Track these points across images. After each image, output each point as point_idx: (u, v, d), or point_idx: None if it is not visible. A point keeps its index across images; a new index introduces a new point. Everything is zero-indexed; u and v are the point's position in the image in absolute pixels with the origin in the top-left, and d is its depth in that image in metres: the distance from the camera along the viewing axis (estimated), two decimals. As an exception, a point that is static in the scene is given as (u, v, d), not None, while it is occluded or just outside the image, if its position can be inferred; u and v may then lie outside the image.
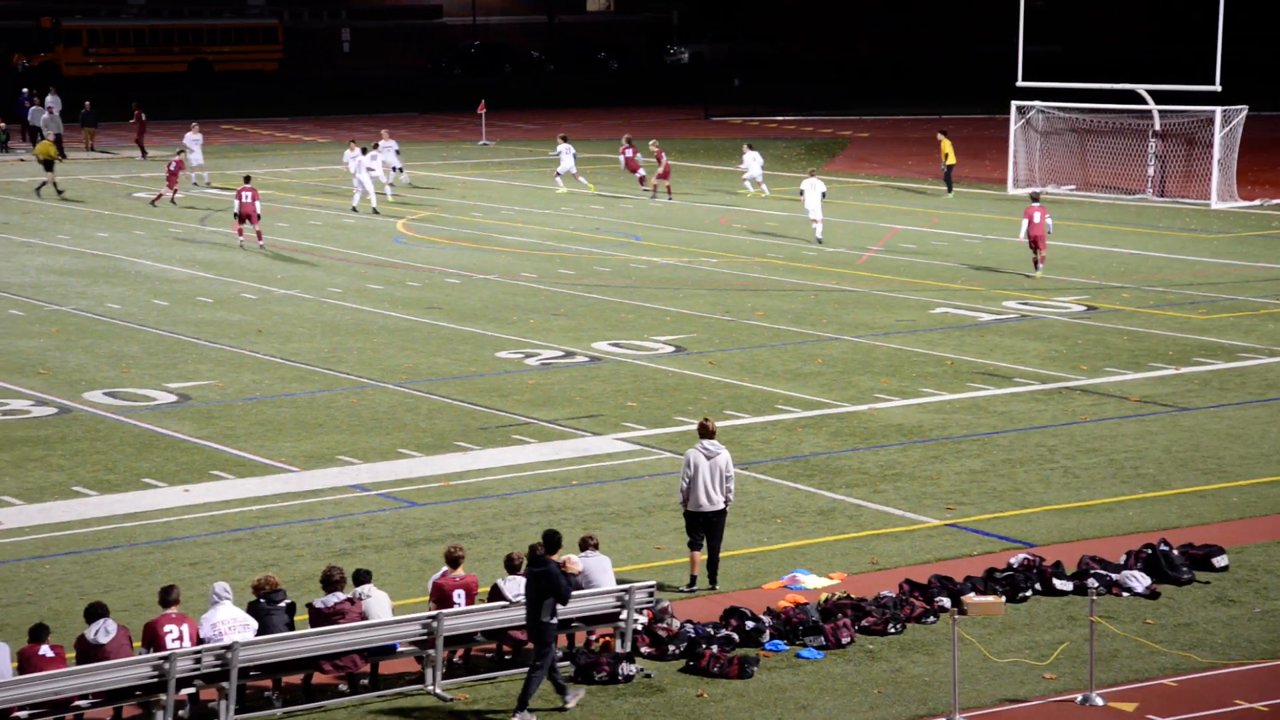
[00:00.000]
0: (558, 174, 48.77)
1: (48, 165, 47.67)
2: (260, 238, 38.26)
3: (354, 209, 43.85)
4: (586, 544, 15.97)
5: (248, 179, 39.27)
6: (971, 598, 15.79)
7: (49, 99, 57.86)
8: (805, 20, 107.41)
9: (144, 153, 56.88)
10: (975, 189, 48.76)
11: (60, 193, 47.09)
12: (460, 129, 66.52)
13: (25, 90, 61.78)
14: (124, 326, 30.08)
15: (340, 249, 38.69)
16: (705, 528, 17.09)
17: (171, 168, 44.83)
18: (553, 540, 14.76)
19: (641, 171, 48.06)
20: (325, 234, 40.96)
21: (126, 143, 59.74)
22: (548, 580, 14.24)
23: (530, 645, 14.56)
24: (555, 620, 14.31)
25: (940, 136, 48.27)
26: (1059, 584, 16.82)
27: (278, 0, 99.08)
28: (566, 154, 48.44)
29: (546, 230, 41.56)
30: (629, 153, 48.29)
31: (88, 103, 58.57)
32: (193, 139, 49.44)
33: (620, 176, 50.43)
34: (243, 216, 38.00)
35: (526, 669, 14.53)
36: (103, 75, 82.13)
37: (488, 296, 32.91)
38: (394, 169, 47.87)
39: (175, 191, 45.11)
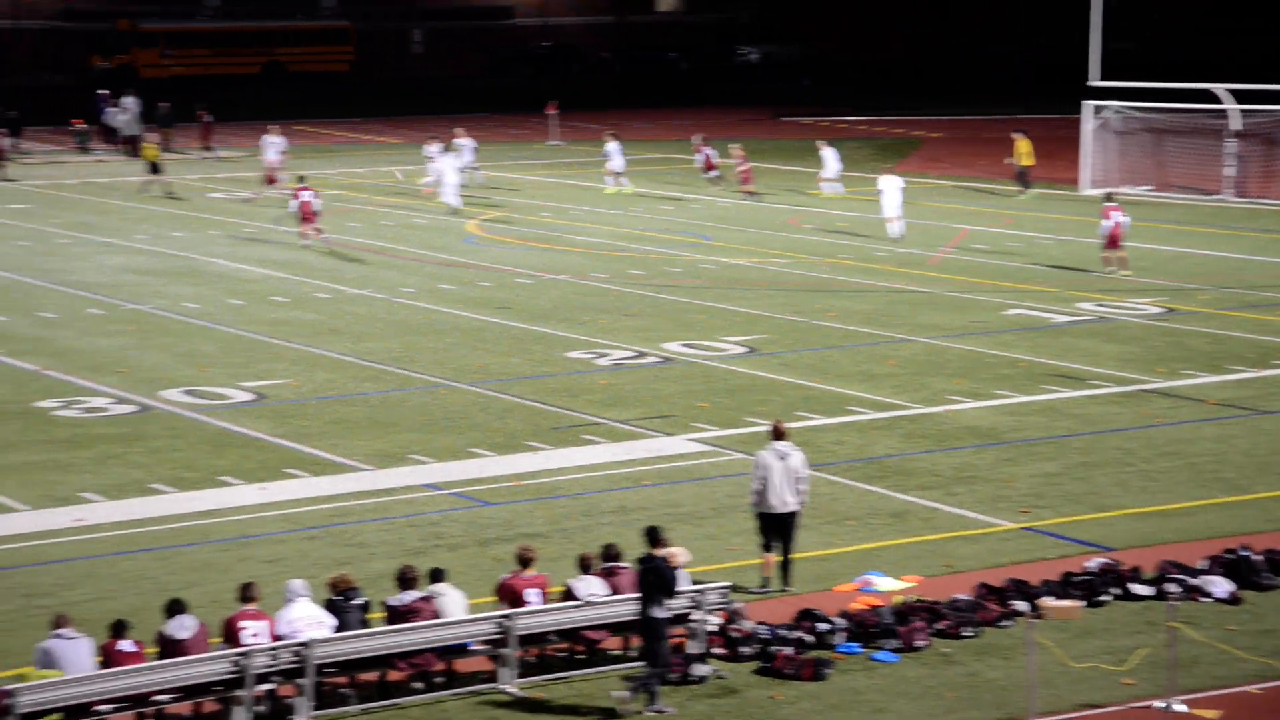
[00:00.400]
0: (611, 174, 48.64)
1: (154, 168, 48.16)
2: (320, 234, 38.50)
3: (451, 209, 43.62)
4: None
5: (302, 179, 39.62)
6: (1049, 601, 15.69)
7: (127, 100, 58.57)
8: (838, 20, 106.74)
9: (209, 151, 57.36)
10: (1048, 189, 48.36)
11: (168, 192, 47.55)
12: (530, 129, 66.71)
13: (102, 92, 62.51)
14: (201, 325, 30.38)
15: (412, 249, 38.90)
16: (777, 529, 17.04)
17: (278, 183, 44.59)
18: (655, 535, 14.77)
19: (716, 172, 48.03)
20: (397, 234, 41.19)
21: (198, 144, 60.25)
22: (656, 576, 14.30)
23: (638, 641, 14.54)
24: (668, 615, 14.32)
25: (1016, 136, 47.90)
26: (1137, 589, 16.65)
27: (349, 1, 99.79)
28: (616, 153, 48.43)
29: (616, 230, 41.60)
30: (706, 151, 48.29)
31: (165, 104, 59.20)
32: (270, 140, 49.79)
33: (691, 177, 50.38)
34: (302, 217, 38.35)
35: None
36: (178, 77, 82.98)
37: (558, 297, 32.98)
38: (469, 169, 47.89)
39: (272, 188, 45.52)
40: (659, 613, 14.26)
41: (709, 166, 48.20)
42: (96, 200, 47.08)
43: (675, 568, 14.63)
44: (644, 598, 14.36)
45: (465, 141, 48.40)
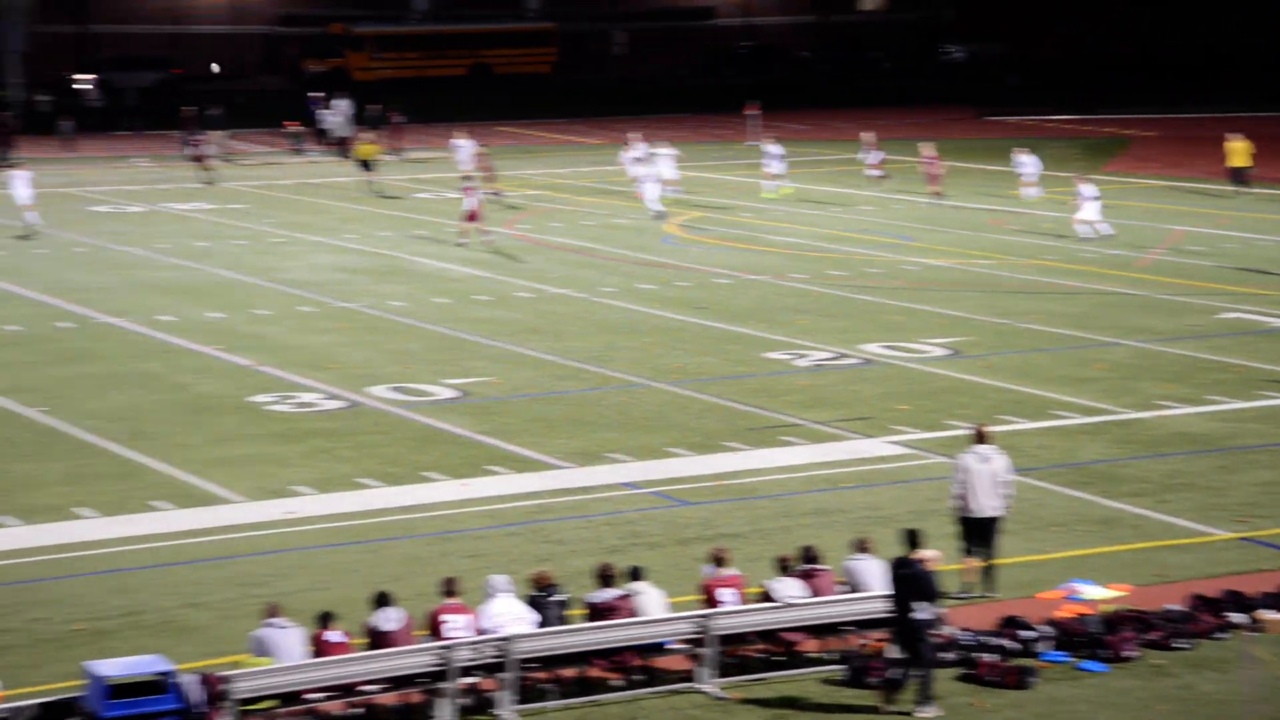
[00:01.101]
0: (771, 177, 48.12)
1: (366, 165, 49.40)
2: (484, 234, 38.96)
3: (656, 212, 43.56)
4: (859, 547, 15.85)
5: (467, 178, 40.19)
6: (1267, 614, 15.18)
7: (339, 102, 60.08)
8: (1045, 17, 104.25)
9: (400, 154, 58.45)
10: (1269, 190, 46.78)
11: (379, 191, 48.66)
12: (731, 130, 66.70)
13: (314, 94, 64.13)
14: (407, 324, 31.00)
15: (612, 249, 39.18)
16: (979, 534, 16.78)
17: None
18: (914, 538, 14.67)
19: (880, 173, 47.65)
20: (597, 234, 41.53)
21: (412, 145, 61.48)
22: (916, 582, 14.21)
23: (894, 647, 14.49)
24: (929, 617, 14.22)
25: (1232, 138, 46.44)
26: (1360, 603, 16.02)
27: (553, 3, 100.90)
28: (774, 155, 48.06)
29: (816, 231, 41.39)
30: (875, 152, 47.89)
31: (376, 105, 60.53)
32: (459, 144, 50.57)
33: (905, 179, 49.84)
34: (470, 215, 38.90)
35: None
36: (388, 79, 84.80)
37: (757, 297, 32.92)
38: (668, 180, 47.54)
39: (498, 194, 46.24)
40: (921, 615, 14.15)
41: (875, 166, 47.70)
42: (309, 200, 48.33)
43: (932, 571, 14.50)
44: (901, 600, 14.27)
45: (666, 150, 48.16)
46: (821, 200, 47.10)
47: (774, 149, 48.25)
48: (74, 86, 73.68)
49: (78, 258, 37.63)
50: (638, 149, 47.72)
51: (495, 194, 45.68)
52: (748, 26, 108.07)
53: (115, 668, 13.19)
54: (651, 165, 45.43)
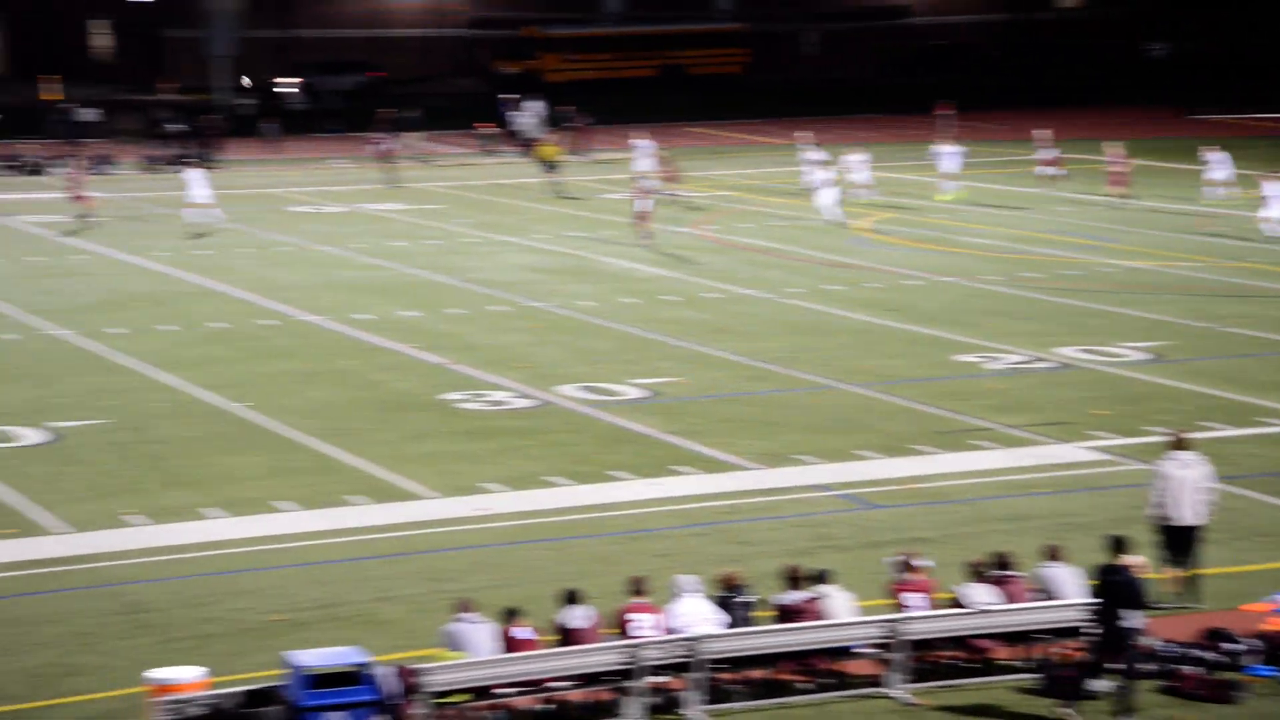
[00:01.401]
0: (947, 177, 47.27)
1: (550, 166, 50.00)
2: (645, 235, 38.96)
3: (830, 219, 43.23)
4: (1051, 554, 15.54)
5: (640, 179, 40.31)
6: None
7: (531, 104, 60.78)
8: (1253, 13, 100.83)
9: (585, 156, 58.87)
10: None
11: (561, 192, 49.20)
12: (923, 130, 65.94)
13: (507, 96, 64.94)
14: (596, 323, 31.22)
15: (800, 249, 39.00)
16: (1179, 543, 16.34)
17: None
18: (1121, 544, 14.37)
19: (1052, 170, 46.65)
20: (786, 234, 41.36)
21: (599, 146, 61.97)
22: (1125, 588, 13.92)
23: (1098, 654, 14.23)
24: (1136, 625, 13.93)
25: None
26: None
27: (744, 3, 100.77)
28: (948, 155, 47.16)
29: (1010, 232, 40.69)
30: (1049, 149, 46.97)
31: (568, 107, 61.10)
32: (639, 145, 50.69)
33: (1091, 178, 48.82)
34: (641, 216, 39.01)
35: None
36: (580, 81, 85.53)
37: (947, 299, 32.48)
38: (860, 183, 47.05)
39: (678, 195, 46.48)
40: (1129, 623, 13.84)
41: (1049, 164, 46.61)
42: (500, 201, 48.95)
43: (1141, 578, 14.17)
44: (1108, 608, 13.95)
45: (858, 157, 47.56)
46: (1011, 201, 46.28)
47: (949, 149, 47.54)
48: (277, 90, 75.68)
49: (280, 257, 38.63)
50: (812, 151, 47.13)
51: (675, 195, 45.80)
52: (941, 25, 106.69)
53: (314, 658, 13.50)
54: (827, 169, 44.67)
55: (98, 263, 37.07)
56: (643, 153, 49.84)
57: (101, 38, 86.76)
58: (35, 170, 52.57)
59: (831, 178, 43.59)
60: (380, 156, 52.48)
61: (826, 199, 42.83)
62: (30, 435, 22.89)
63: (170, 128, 59.09)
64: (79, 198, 42.66)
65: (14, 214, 42.40)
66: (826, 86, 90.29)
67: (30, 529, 19.24)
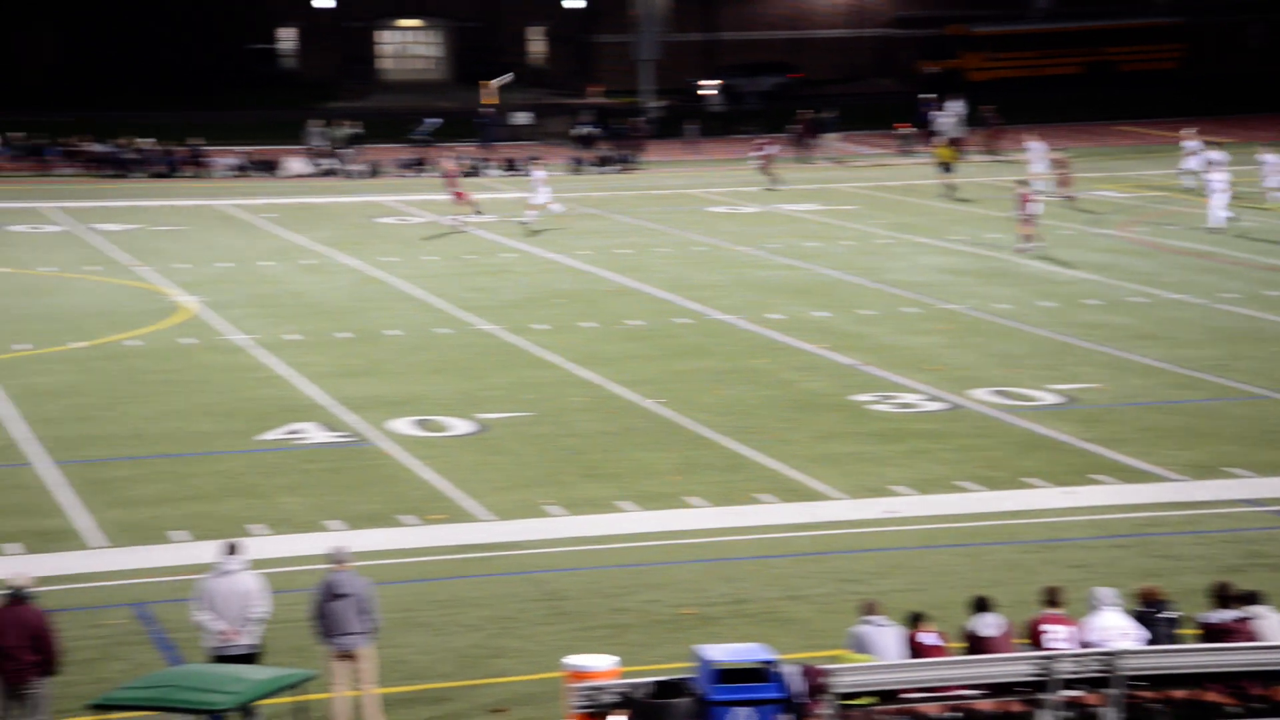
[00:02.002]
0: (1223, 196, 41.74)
1: (945, 167, 49.40)
2: (1027, 242, 37.43)
3: (1214, 226, 40.79)
4: None
5: (1026, 183, 38.86)
6: None
7: (952, 104, 59.89)
8: None
9: (996, 155, 57.46)
10: None
11: (954, 194, 48.49)
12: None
13: (926, 95, 64.25)
14: (1011, 326, 30.49)
15: (1235, 252, 37.12)
16: None
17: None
18: None
19: None
20: (1219, 237, 39.39)
21: (1020, 146, 60.56)
22: None
23: None
24: None
25: None
26: None
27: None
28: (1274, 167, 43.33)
29: None
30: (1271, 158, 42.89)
31: (989, 106, 60.00)
32: (1033, 146, 49.09)
33: None
34: (1027, 219, 37.66)
35: None
36: (1003, 79, 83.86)
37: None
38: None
39: (1073, 198, 45.11)
40: None
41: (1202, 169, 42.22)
42: (917, 202, 48.43)
43: None
44: None
45: (1274, 158, 44.79)
46: None
47: (1272, 159, 44.08)
48: (699, 92, 77.14)
49: (696, 256, 39.29)
50: (1196, 150, 44.34)
51: (1070, 198, 44.35)
52: None
53: (723, 653, 13.61)
54: (1221, 169, 41.84)
55: (524, 261, 38.58)
56: (1035, 155, 48.38)
57: (537, 44, 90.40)
58: (472, 173, 55.06)
59: (1226, 179, 40.86)
60: (764, 160, 52.43)
61: (1219, 203, 40.36)
62: (460, 426, 23.98)
63: (585, 131, 60.82)
64: (460, 196, 43.65)
65: (449, 216, 44.55)
66: (1273, 82, 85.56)
67: (459, 514, 20.15)
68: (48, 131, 57.89)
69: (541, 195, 42.70)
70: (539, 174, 43.86)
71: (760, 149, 53.01)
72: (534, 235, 41.53)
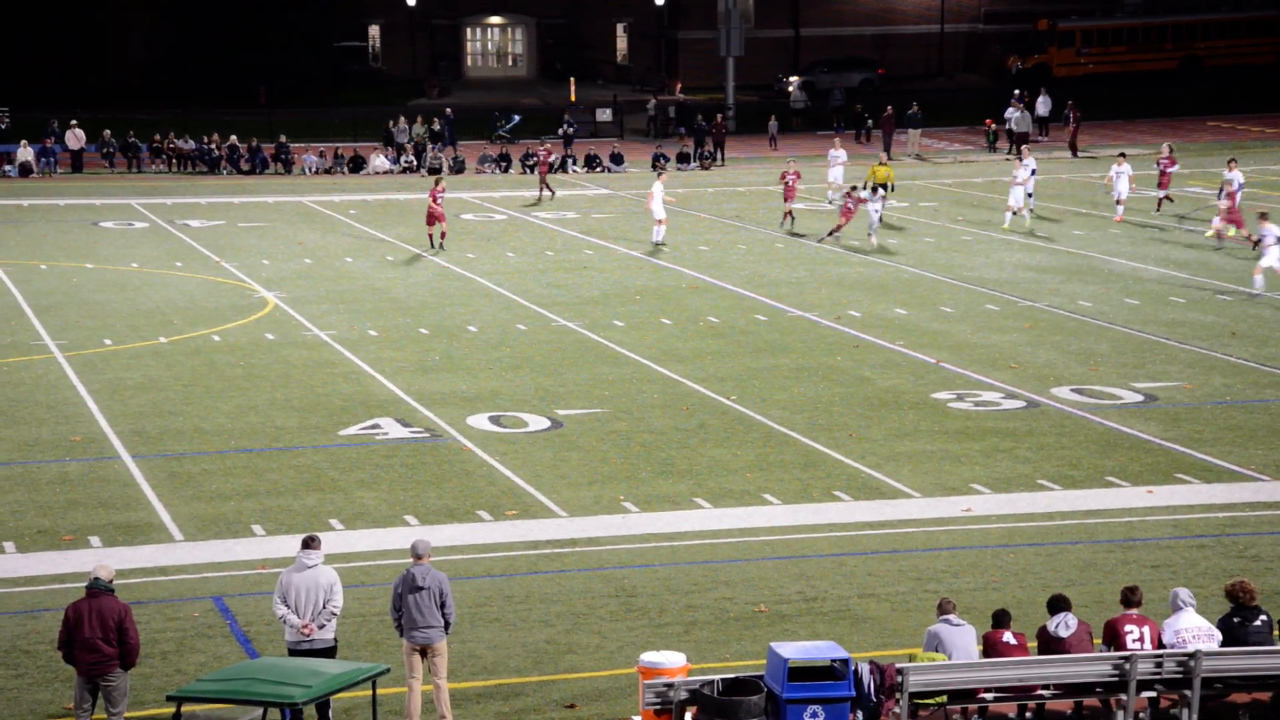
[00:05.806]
0: None
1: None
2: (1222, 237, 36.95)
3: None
4: None
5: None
6: None
7: (1037, 100, 59.28)
8: None
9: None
10: None
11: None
12: None
13: (1017, 92, 63.64)
14: (1094, 324, 30.14)
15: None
16: None
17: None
18: None
19: None
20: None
21: (1106, 142, 59.90)
22: None
23: None
24: None
25: None
26: None
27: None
28: None
29: None
30: None
31: (1070, 103, 59.36)
32: (1118, 171, 47.69)
33: None
34: (1227, 220, 37.01)
35: None
36: (1092, 75, 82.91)
37: None
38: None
39: (1164, 194, 44.34)
40: None
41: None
42: (1000, 198, 47.97)
43: None
44: None
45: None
46: None
47: None
48: (787, 89, 76.99)
49: (775, 253, 39.15)
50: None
51: (1167, 198, 43.75)
52: None
53: (795, 650, 13.56)
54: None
55: (603, 257, 38.62)
56: (1123, 177, 45.63)
57: (623, 40, 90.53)
58: (559, 167, 55.06)
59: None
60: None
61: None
62: (537, 422, 24.04)
63: (661, 126, 60.60)
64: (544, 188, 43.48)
65: (530, 212, 44.70)
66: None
67: (534, 510, 20.20)
68: (137, 129, 58.70)
69: (656, 208, 39.33)
70: (655, 188, 39.92)
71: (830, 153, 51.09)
72: (638, 242, 41.49)
